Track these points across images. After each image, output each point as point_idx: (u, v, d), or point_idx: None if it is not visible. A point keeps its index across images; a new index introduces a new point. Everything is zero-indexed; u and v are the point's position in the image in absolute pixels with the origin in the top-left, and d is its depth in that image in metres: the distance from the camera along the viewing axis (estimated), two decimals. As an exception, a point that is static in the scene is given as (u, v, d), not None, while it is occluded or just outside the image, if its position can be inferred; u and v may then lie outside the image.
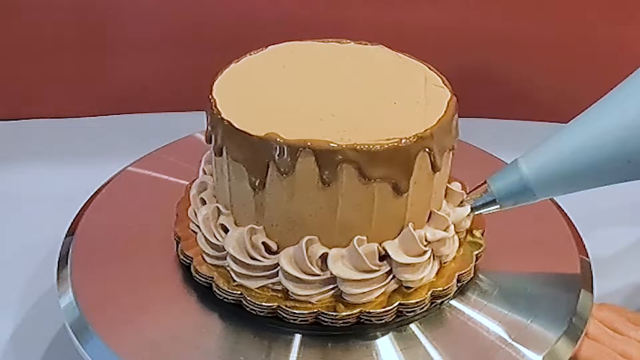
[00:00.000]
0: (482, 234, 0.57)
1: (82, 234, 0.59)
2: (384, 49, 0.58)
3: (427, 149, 0.50)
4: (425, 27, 0.86)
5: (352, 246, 0.50)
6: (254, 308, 0.52)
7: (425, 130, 0.49)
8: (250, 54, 0.57)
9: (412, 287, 0.52)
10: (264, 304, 0.51)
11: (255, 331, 0.52)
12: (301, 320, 0.51)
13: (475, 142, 0.65)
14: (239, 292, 0.52)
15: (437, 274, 0.54)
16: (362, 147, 0.48)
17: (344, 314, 0.51)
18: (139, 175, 0.65)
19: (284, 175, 0.49)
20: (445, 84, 0.54)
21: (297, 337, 0.52)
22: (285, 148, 0.48)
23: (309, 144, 0.48)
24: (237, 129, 0.49)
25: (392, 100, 0.52)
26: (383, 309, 0.51)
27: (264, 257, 0.51)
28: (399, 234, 0.52)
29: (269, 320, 0.52)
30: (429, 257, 0.53)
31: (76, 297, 0.54)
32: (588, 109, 0.54)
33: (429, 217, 0.53)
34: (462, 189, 0.55)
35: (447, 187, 0.54)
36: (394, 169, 0.49)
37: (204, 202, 0.55)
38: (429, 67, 0.56)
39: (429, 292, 0.53)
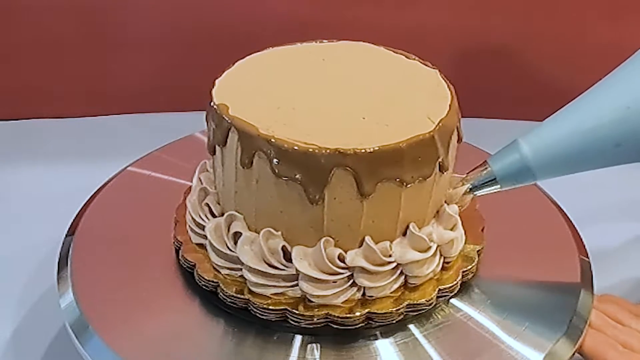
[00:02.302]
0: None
1: (82, 234, 0.59)
2: (436, 75, 0.55)
3: (348, 168, 0.48)
4: (425, 27, 0.86)
5: (260, 236, 0.51)
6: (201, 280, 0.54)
7: (348, 149, 0.48)
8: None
9: (313, 302, 0.51)
10: (205, 277, 0.53)
11: (256, 331, 0.52)
12: (203, 286, 0.53)
13: (475, 142, 0.65)
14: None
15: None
16: (274, 141, 0.48)
17: (238, 295, 0.52)
18: (139, 175, 0.65)
19: (220, 147, 0.51)
20: (439, 122, 0.50)
21: (298, 338, 0.52)
22: (220, 121, 0.50)
23: (234, 122, 0.49)
24: (211, 94, 0.52)
25: (364, 115, 0.51)
26: (267, 307, 0.51)
27: (207, 220, 0.53)
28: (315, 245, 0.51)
29: (270, 321, 0.52)
30: (345, 280, 0.51)
31: (76, 297, 0.54)
32: (587, 90, 0.55)
33: (361, 243, 0.51)
34: (429, 239, 0.52)
35: (409, 226, 0.52)
36: (302, 174, 0.48)
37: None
38: (451, 100, 0.52)
39: (325, 312, 0.51)
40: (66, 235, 0.59)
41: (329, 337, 0.52)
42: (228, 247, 0.52)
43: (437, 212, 0.54)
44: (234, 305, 0.52)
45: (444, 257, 0.54)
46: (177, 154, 0.67)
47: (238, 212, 0.52)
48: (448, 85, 0.54)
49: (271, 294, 0.51)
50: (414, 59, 0.57)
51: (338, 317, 0.51)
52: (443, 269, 0.55)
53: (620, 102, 0.53)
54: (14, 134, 0.85)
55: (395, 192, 0.50)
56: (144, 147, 0.68)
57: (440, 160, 0.51)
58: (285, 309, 0.51)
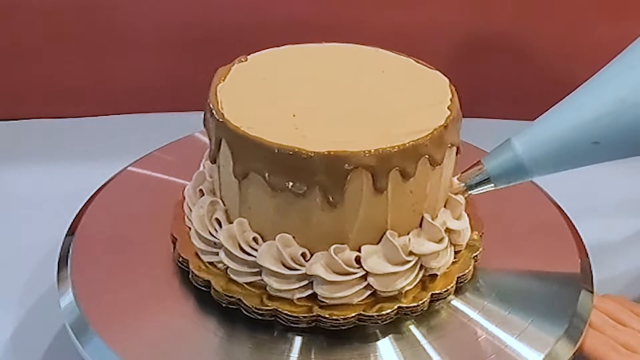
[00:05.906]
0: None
1: (82, 234, 0.59)
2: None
3: (227, 143, 0.50)
4: (425, 27, 0.86)
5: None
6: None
7: (230, 125, 0.50)
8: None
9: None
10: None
11: (256, 331, 0.52)
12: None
13: (475, 142, 0.65)
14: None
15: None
16: (212, 103, 0.52)
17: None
18: (139, 175, 0.65)
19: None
20: (334, 152, 0.48)
21: (298, 338, 0.52)
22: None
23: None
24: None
25: (295, 113, 0.51)
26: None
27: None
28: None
29: (269, 321, 0.52)
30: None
31: (76, 297, 0.54)
32: (577, 89, 0.55)
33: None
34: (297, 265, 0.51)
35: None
36: (211, 135, 0.52)
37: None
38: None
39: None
40: (66, 235, 0.59)
41: (328, 337, 0.52)
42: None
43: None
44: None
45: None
46: (177, 154, 0.67)
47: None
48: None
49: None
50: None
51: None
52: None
53: (599, 101, 0.53)
54: (14, 134, 0.85)
55: (264, 192, 0.50)
56: (144, 147, 0.68)
57: (326, 190, 0.48)
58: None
